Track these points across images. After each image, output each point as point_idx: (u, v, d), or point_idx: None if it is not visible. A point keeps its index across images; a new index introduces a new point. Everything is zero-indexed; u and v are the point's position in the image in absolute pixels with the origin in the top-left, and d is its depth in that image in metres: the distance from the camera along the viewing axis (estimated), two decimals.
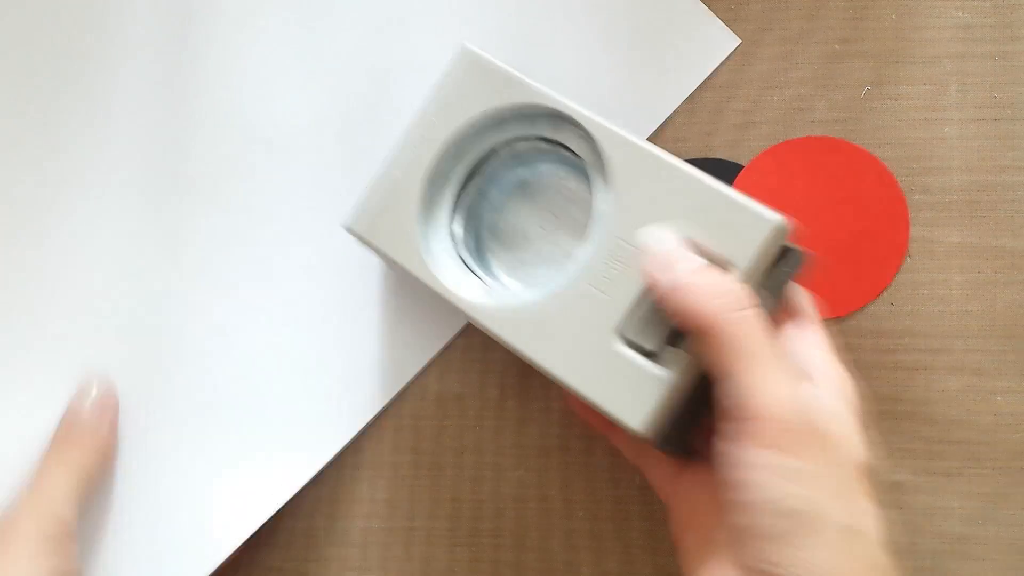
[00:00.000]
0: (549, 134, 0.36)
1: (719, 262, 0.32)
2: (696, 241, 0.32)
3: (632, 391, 0.32)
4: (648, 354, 0.32)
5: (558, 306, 0.34)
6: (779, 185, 0.42)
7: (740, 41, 0.41)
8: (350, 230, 0.38)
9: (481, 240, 0.38)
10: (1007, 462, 0.40)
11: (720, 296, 0.30)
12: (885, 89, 0.42)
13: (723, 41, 0.42)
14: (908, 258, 0.41)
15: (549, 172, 0.38)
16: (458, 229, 0.38)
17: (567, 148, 0.36)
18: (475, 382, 0.43)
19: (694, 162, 0.42)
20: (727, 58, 0.42)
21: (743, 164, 0.42)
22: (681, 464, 0.34)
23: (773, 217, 0.31)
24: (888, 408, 0.41)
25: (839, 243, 0.41)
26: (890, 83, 0.42)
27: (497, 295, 0.36)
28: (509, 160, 0.38)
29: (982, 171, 0.41)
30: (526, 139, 0.37)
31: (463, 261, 0.37)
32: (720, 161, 0.42)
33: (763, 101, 0.42)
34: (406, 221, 0.36)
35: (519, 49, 0.42)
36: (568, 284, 0.34)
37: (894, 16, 0.42)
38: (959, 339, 0.41)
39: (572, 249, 0.36)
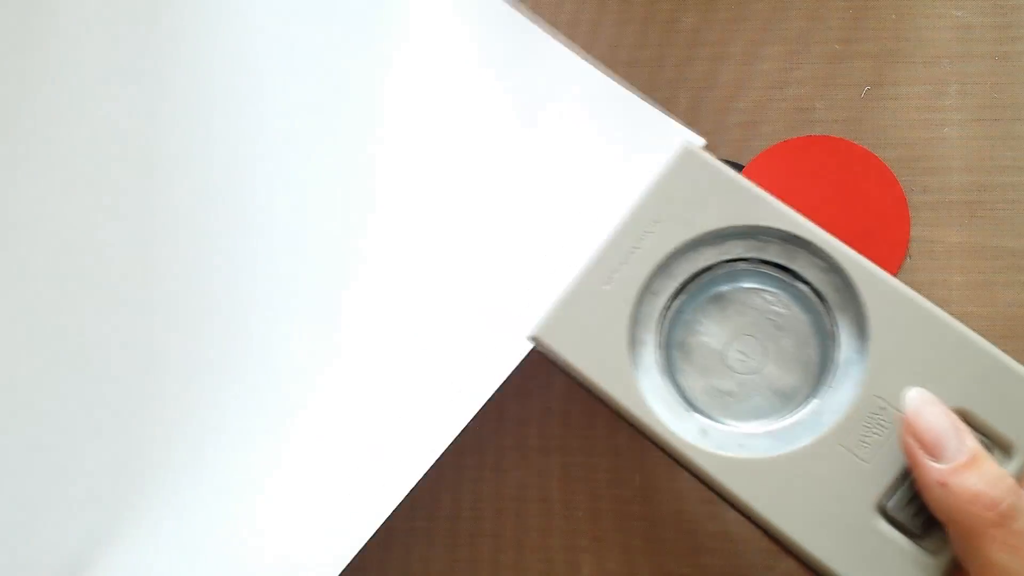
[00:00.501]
0: (782, 260, 0.32)
1: (998, 441, 0.29)
2: (969, 411, 0.29)
3: (894, 574, 0.28)
4: (914, 535, 0.29)
5: (805, 466, 0.29)
6: (779, 185, 0.42)
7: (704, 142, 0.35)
8: (537, 341, 0.32)
9: (672, 362, 0.33)
10: None
11: (990, 506, 0.26)
12: (885, 89, 0.42)
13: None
14: (908, 258, 0.41)
15: (751, 287, 0.33)
16: (659, 353, 0.32)
17: (799, 278, 0.32)
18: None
19: None
20: (727, 58, 0.42)
21: (743, 164, 0.42)
22: None
23: None
24: None
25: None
26: (890, 83, 0.42)
27: (718, 438, 0.31)
28: (724, 278, 0.33)
29: (982, 171, 0.41)
30: (750, 260, 0.32)
31: (676, 394, 0.32)
32: (726, 162, 0.42)
33: (763, 101, 0.42)
34: (613, 339, 0.31)
35: None
36: (818, 442, 0.30)
37: (894, 16, 0.42)
38: None
39: (784, 385, 0.32)
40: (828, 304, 0.31)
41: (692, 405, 0.32)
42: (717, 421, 0.31)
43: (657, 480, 0.41)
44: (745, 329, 0.32)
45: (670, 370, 0.32)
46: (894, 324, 0.30)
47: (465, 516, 0.42)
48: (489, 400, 0.43)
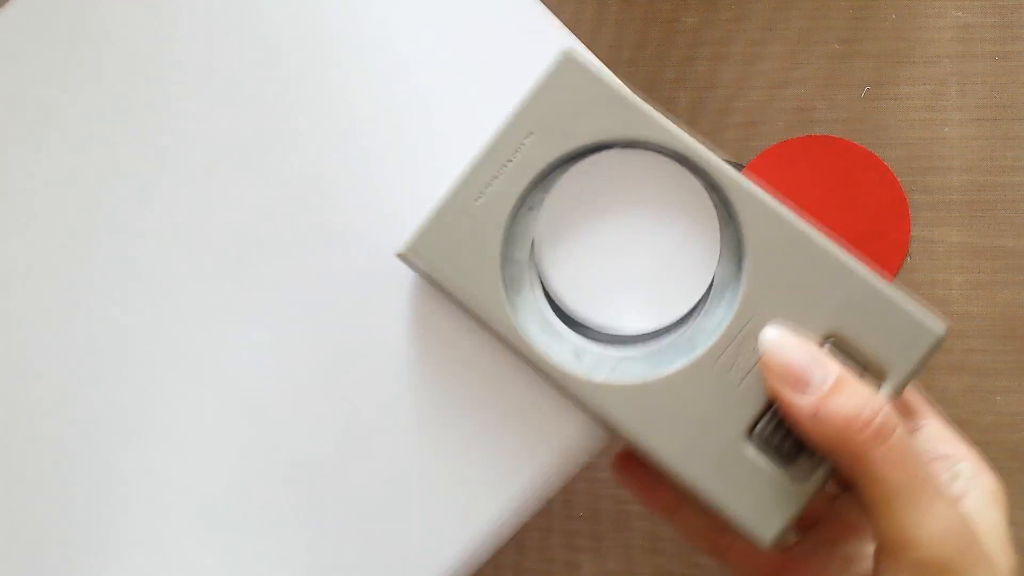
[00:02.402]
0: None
1: (870, 367, 0.28)
2: (842, 335, 0.28)
3: (761, 501, 0.28)
4: (782, 460, 0.29)
5: (677, 391, 0.29)
6: (780, 185, 0.42)
7: None
8: (405, 258, 0.30)
9: (537, 259, 0.31)
10: (1007, 462, 0.40)
11: (864, 427, 0.26)
12: (885, 89, 0.42)
13: None
14: (908, 258, 0.41)
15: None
16: (534, 267, 0.31)
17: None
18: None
19: None
20: (727, 60, 0.42)
21: (743, 164, 0.42)
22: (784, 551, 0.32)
23: (937, 326, 0.28)
24: None
25: (840, 243, 0.41)
26: (890, 83, 0.42)
27: (592, 362, 0.30)
28: None
29: (982, 171, 0.41)
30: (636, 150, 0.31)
31: (547, 311, 0.31)
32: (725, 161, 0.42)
33: (764, 101, 0.42)
34: (485, 257, 0.30)
35: None
36: (690, 366, 0.29)
37: (894, 16, 0.42)
38: (959, 339, 0.41)
39: (666, 301, 0.31)
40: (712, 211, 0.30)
41: (570, 322, 0.30)
42: (590, 343, 0.30)
43: None
44: (602, 195, 0.31)
45: (545, 286, 0.31)
46: (769, 246, 0.29)
47: None
48: None
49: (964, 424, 0.40)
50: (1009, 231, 0.41)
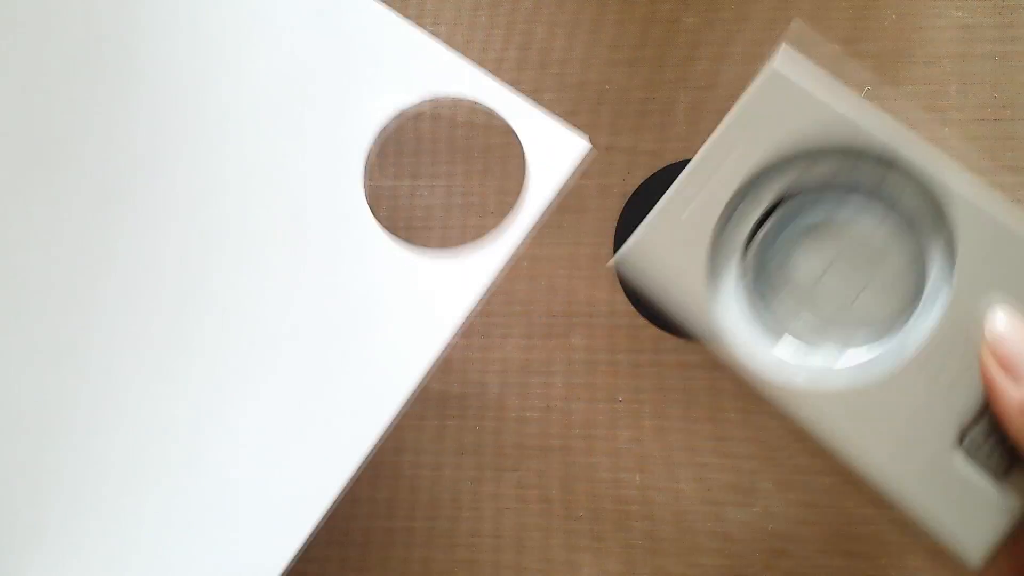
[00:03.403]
0: (873, 182, 0.30)
1: None
2: None
3: (969, 514, 0.27)
4: (995, 472, 0.27)
5: (885, 398, 0.28)
6: None
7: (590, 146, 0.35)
8: (617, 268, 0.31)
9: (767, 294, 0.31)
10: None
11: None
12: (885, 89, 0.42)
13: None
14: None
15: (850, 216, 0.31)
16: (747, 280, 0.31)
17: (891, 202, 0.30)
18: (475, 382, 0.42)
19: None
20: (729, 61, 0.42)
21: None
22: None
23: None
24: None
25: None
26: (890, 83, 0.42)
27: (800, 370, 0.30)
28: (811, 203, 0.31)
29: (982, 171, 0.41)
30: (840, 181, 0.31)
31: (761, 323, 0.31)
32: None
33: None
34: (692, 268, 0.30)
35: None
36: (899, 372, 0.28)
37: (894, 16, 0.42)
38: None
39: (877, 315, 0.30)
40: (921, 227, 0.30)
41: (779, 335, 0.31)
42: (802, 353, 0.30)
43: (657, 480, 0.41)
44: (838, 259, 0.31)
45: (758, 299, 0.31)
46: (981, 249, 0.28)
47: (465, 516, 0.42)
48: (489, 400, 0.43)
49: None
50: None
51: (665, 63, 0.43)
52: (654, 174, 0.42)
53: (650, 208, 0.42)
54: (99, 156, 0.37)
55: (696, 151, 0.42)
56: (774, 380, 0.29)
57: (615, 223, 0.42)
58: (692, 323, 0.30)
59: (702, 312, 0.30)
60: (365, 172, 0.35)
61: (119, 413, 0.35)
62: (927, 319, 0.29)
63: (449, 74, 0.35)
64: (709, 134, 0.42)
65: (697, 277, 0.30)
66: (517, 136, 0.35)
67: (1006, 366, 0.26)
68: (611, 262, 0.32)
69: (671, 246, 0.31)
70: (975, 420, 0.27)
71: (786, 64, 0.31)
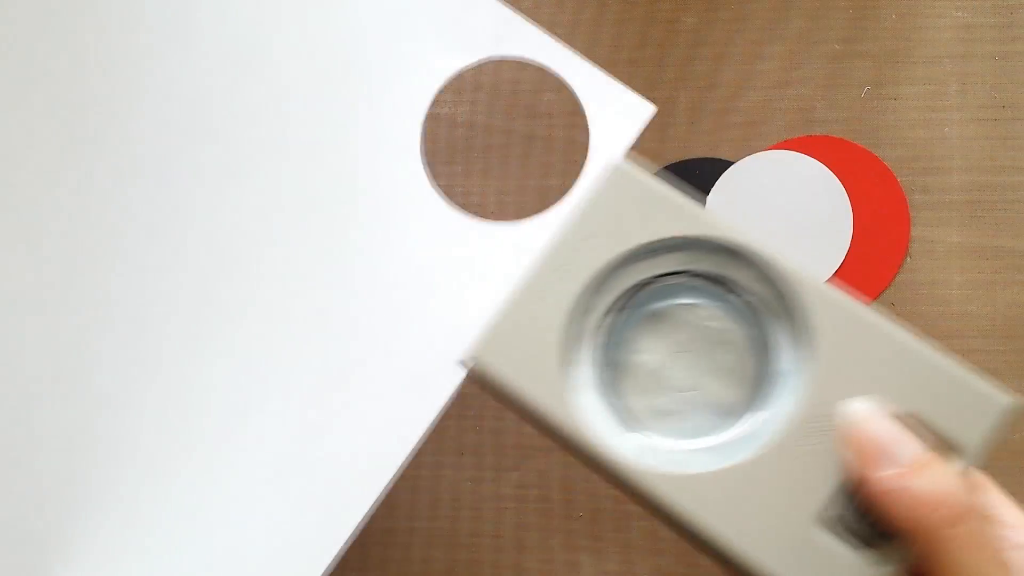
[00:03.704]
0: (716, 271, 0.31)
1: (947, 444, 0.28)
2: (917, 415, 0.28)
3: None
4: (856, 546, 0.28)
5: (746, 480, 0.29)
6: None
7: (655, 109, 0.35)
8: (469, 366, 0.31)
9: (609, 381, 0.32)
10: (1007, 462, 0.40)
11: (940, 506, 0.25)
12: (885, 89, 0.42)
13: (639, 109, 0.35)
14: (908, 258, 0.41)
15: (686, 302, 0.32)
16: (594, 372, 0.32)
17: (735, 289, 0.31)
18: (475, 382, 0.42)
19: (696, 162, 0.42)
20: (730, 63, 0.42)
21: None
22: None
23: (1004, 399, 0.28)
24: None
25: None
26: (890, 83, 0.42)
27: (659, 455, 0.30)
28: (658, 293, 0.32)
29: (982, 171, 0.41)
30: (685, 273, 0.32)
31: (613, 413, 0.31)
32: (722, 161, 0.42)
33: (764, 101, 0.42)
34: (546, 360, 0.31)
35: None
36: (758, 456, 0.29)
37: (894, 16, 0.42)
38: (959, 339, 0.41)
39: (724, 400, 0.31)
40: (765, 315, 0.31)
41: (630, 424, 0.31)
42: (656, 440, 0.31)
43: None
44: (682, 345, 0.32)
45: (606, 390, 0.31)
46: (832, 332, 0.29)
47: (465, 516, 0.42)
48: (489, 400, 0.42)
49: None
50: (1009, 231, 0.41)
51: (665, 63, 0.43)
52: (654, 174, 0.42)
53: None
54: (156, 118, 0.35)
55: (696, 152, 0.42)
56: (632, 469, 0.29)
57: None
58: (549, 418, 0.30)
59: (561, 407, 0.30)
60: (422, 136, 0.34)
61: (157, 403, 0.34)
62: (783, 403, 0.29)
63: (509, 34, 0.34)
64: (708, 133, 0.42)
65: (552, 371, 0.30)
66: (579, 99, 0.34)
67: (866, 457, 0.27)
68: (462, 357, 0.31)
69: (525, 338, 0.31)
70: (836, 497, 0.28)
71: (631, 164, 0.31)
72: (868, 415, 0.27)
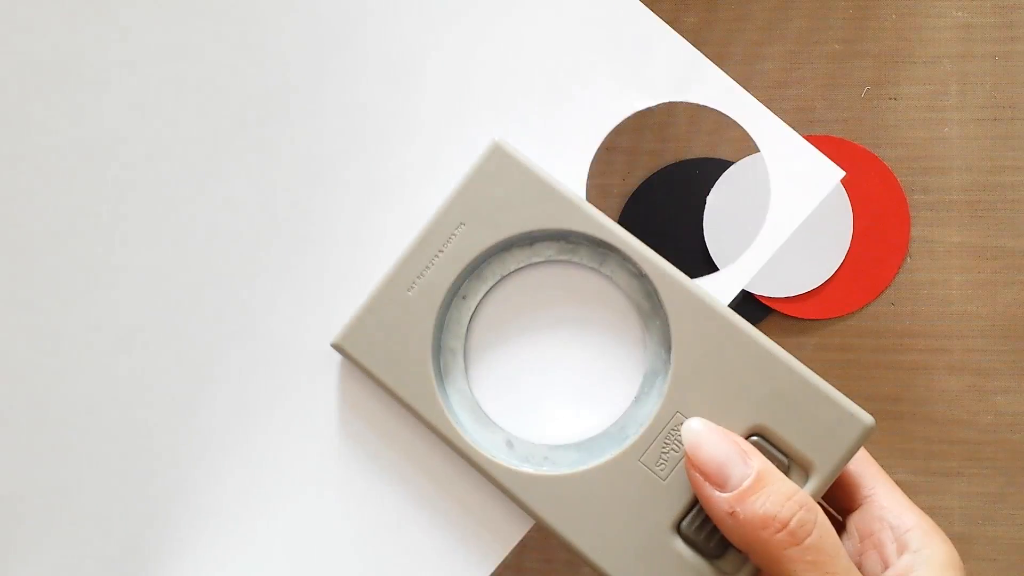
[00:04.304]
0: (592, 264, 0.31)
1: (797, 460, 0.28)
2: (769, 428, 0.28)
3: None
4: (710, 555, 0.28)
5: (605, 482, 0.28)
6: None
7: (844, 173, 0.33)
8: (339, 349, 0.30)
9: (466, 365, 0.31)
10: (1007, 462, 0.40)
11: (781, 527, 0.26)
12: (885, 89, 0.42)
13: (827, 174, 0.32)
14: (908, 258, 0.41)
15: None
16: (465, 358, 0.31)
17: (609, 280, 0.31)
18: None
19: (696, 162, 0.42)
20: (729, 66, 0.42)
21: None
22: None
23: (865, 418, 0.28)
24: (888, 408, 0.41)
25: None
26: (890, 83, 0.42)
27: (524, 451, 0.30)
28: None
29: (982, 171, 0.41)
30: (562, 262, 0.31)
31: (479, 406, 0.31)
32: (722, 161, 0.42)
33: (764, 101, 0.42)
34: (416, 347, 0.30)
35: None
36: (618, 458, 0.29)
37: (894, 16, 0.42)
38: (959, 339, 0.41)
39: (606, 400, 0.30)
40: (640, 312, 0.30)
41: (502, 417, 0.30)
42: (521, 433, 0.30)
43: None
44: (557, 338, 0.31)
45: (467, 374, 0.31)
46: (696, 336, 0.29)
47: None
48: None
49: (964, 424, 0.40)
50: (1009, 231, 0.41)
51: None
52: (654, 174, 0.42)
53: (651, 209, 0.42)
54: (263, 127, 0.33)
55: (696, 152, 0.42)
56: (495, 464, 0.29)
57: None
58: (416, 406, 0.30)
59: (428, 395, 0.29)
60: (590, 172, 0.32)
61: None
62: (646, 406, 0.29)
63: (694, 78, 0.32)
64: (710, 133, 0.42)
65: (423, 357, 0.30)
66: (763, 157, 0.32)
67: (709, 476, 0.27)
68: (334, 340, 0.30)
69: (395, 324, 0.30)
70: (691, 506, 0.28)
71: (508, 145, 0.30)
72: (705, 433, 0.27)
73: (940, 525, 0.40)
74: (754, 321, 0.41)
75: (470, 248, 0.30)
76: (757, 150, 0.32)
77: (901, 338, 0.41)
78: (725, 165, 0.42)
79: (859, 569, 0.26)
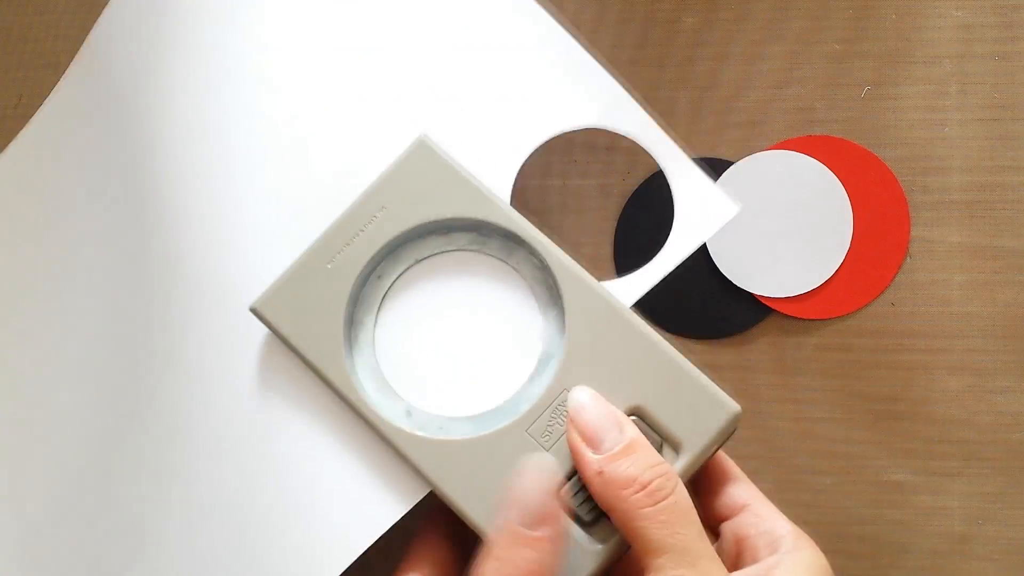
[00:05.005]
0: (501, 255, 0.33)
1: (670, 441, 0.31)
2: (646, 410, 0.31)
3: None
4: (584, 523, 0.30)
5: (493, 451, 0.31)
6: None
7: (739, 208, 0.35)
8: (257, 313, 0.33)
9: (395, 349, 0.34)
10: (1007, 462, 0.40)
11: (640, 488, 0.28)
12: (885, 89, 0.42)
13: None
14: (908, 258, 0.41)
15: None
16: (375, 333, 0.34)
17: (516, 269, 0.33)
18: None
19: (696, 162, 0.42)
20: (733, 67, 0.42)
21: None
22: None
23: (732, 405, 0.31)
24: (888, 408, 0.41)
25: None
26: (890, 83, 0.42)
27: (421, 420, 0.32)
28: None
29: (982, 171, 0.41)
30: (473, 251, 0.34)
31: (383, 377, 0.33)
32: (722, 161, 0.42)
33: (764, 101, 0.42)
34: (330, 317, 0.32)
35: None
36: (507, 428, 0.31)
37: (894, 16, 0.42)
38: (959, 339, 0.41)
39: (501, 377, 0.33)
40: (540, 299, 0.33)
41: (405, 390, 0.33)
42: (422, 405, 0.33)
43: None
44: (462, 321, 0.34)
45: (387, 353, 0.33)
46: (587, 323, 0.32)
47: None
48: None
49: (964, 424, 0.40)
50: (1009, 231, 0.41)
51: (665, 63, 0.43)
52: (654, 174, 0.42)
53: (650, 208, 0.42)
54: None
55: (696, 151, 0.42)
56: (395, 428, 0.31)
57: (615, 223, 0.42)
58: (324, 372, 0.32)
59: (336, 363, 0.32)
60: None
61: None
62: (538, 384, 0.32)
63: (612, 106, 0.35)
64: (708, 133, 0.42)
65: (335, 327, 0.32)
66: (669, 186, 0.35)
67: (586, 438, 0.29)
68: (252, 305, 0.33)
69: (312, 294, 0.32)
70: (569, 476, 0.30)
71: (433, 141, 0.33)
72: (589, 399, 0.30)
73: (940, 525, 0.40)
74: (755, 321, 0.41)
75: (389, 230, 0.33)
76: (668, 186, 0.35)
77: (901, 338, 0.41)
78: (726, 165, 0.42)
79: (729, 570, 0.28)
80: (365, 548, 0.32)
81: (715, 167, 0.42)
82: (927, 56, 0.42)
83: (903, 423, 0.41)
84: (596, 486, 0.29)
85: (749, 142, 0.42)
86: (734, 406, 0.31)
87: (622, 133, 0.35)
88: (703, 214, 0.34)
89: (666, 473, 0.29)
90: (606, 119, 0.35)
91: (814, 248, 0.41)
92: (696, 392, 0.31)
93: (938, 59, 0.42)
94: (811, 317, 0.41)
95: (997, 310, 0.41)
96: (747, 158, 0.42)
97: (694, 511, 0.28)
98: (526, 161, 0.35)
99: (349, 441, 0.33)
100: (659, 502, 0.28)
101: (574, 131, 0.35)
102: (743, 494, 0.32)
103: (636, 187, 0.42)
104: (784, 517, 0.31)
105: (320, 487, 0.33)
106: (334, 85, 0.36)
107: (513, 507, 0.28)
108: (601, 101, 0.35)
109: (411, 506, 0.32)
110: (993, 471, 0.40)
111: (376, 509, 0.32)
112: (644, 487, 0.28)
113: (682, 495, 0.28)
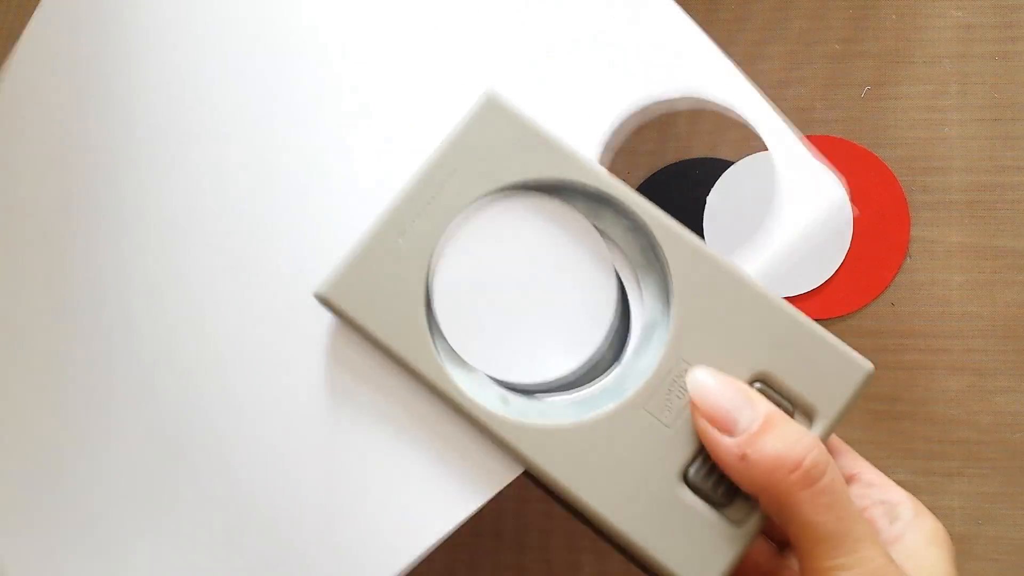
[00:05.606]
0: (587, 217, 0.30)
1: (800, 406, 0.28)
2: (772, 375, 0.28)
3: (697, 547, 0.27)
4: (717, 503, 0.28)
5: (608, 433, 0.28)
6: None
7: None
8: (324, 300, 0.29)
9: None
10: (1007, 462, 0.40)
11: (793, 468, 0.25)
12: (885, 89, 0.42)
13: None
14: (908, 258, 0.41)
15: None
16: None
17: (605, 236, 0.30)
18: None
19: (696, 162, 0.42)
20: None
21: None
22: None
23: (865, 364, 0.28)
24: (888, 408, 0.41)
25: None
26: (890, 83, 0.42)
27: (520, 406, 0.29)
28: None
29: (982, 171, 0.41)
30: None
31: (460, 356, 0.30)
32: (722, 161, 0.42)
33: None
34: (407, 298, 0.29)
35: None
36: (621, 407, 0.28)
37: (894, 16, 0.42)
38: (959, 339, 0.41)
39: (595, 353, 0.30)
40: (634, 265, 0.30)
41: (496, 372, 0.30)
42: (518, 385, 0.30)
43: None
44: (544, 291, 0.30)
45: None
46: (697, 286, 0.29)
47: None
48: None
49: (964, 424, 0.40)
50: (1009, 231, 0.41)
51: None
52: (654, 174, 0.42)
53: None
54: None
55: (696, 152, 0.42)
56: (494, 420, 0.28)
57: None
58: (409, 360, 0.29)
59: (420, 349, 0.29)
60: (601, 155, 0.31)
61: None
62: (645, 357, 0.29)
63: (716, 78, 0.32)
64: (710, 132, 0.42)
65: (415, 309, 0.29)
66: (773, 164, 0.32)
67: (716, 422, 0.27)
68: (316, 291, 0.29)
69: (387, 273, 0.29)
70: (697, 454, 0.28)
71: (502, 97, 0.30)
72: (710, 380, 0.27)
73: None
74: None
75: (462, 196, 0.29)
76: (759, 151, 0.32)
77: (901, 338, 0.41)
78: (725, 165, 0.42)
79: None
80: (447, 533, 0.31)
81: (715, 167, 0.42)
82: (927, 56, 0.42)
83: (903, 423, 0.41)
84: (739, 472, 0.26)
85: (749, 142, 0.42)
86: (868, 364, 0.28)
87: (718, 103, 0.32)
88: (810, 193, 0.31)
89: (817, 446, 0.26)
90: (704, 89, 0.31)
91: (814, 248, 0.41)
92: (825, 352, 0.28)
93: (938, 59, 0.42)
94: (811, 317, 0.41)
95: (997, 310, 0.41)
96: (747, 158, 0.42)
97: (847, 486, 0.26)
98: (612, 135, 0.32)
99: (434, 428, 0.30)
100: (817, 481, 0.25)
101: (668, 100, 0.32)
102: (850, 463, 0.30)
103: (636, 187, 0.42)
104: (895, 484, 0.29)
105: (398, 477, 0.30)
106: (398, 42, 0.32)
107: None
108: (699, 67, 0.32)
109: (496, 492, 0.30)
110: (993, 471, 0.40)
111: (458, 494, 0.30)
112: (798, 465, 0.25)
113: (835, 470, 0.26)
